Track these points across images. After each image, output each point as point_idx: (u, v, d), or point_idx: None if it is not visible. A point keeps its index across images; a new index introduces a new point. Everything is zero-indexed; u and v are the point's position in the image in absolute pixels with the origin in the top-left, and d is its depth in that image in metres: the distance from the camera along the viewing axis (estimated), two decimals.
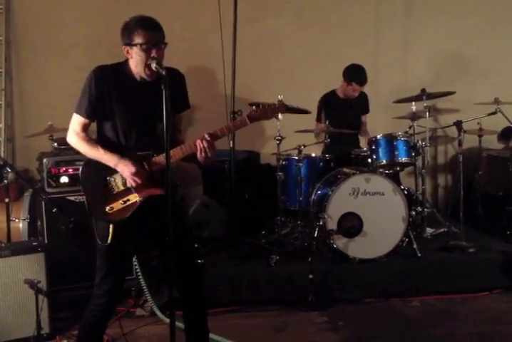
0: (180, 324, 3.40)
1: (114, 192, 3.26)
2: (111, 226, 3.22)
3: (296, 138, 5.66)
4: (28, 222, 5.11)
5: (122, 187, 3.26)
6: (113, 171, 3.25)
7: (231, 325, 4.55)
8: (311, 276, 4.82)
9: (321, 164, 5.78)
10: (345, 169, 5.48)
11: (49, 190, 4.91)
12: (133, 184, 3.21)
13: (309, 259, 4.89)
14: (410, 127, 5.86)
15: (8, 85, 6.22)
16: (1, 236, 4.85)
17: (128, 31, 3.20)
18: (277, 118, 3.39)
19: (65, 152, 5.07)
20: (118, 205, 3.24)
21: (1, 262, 4.17)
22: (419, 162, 5.89)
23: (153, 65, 3.09)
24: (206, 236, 5.67)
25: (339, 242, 5.16)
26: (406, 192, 5.43)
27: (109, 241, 3.23)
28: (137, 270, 4.83)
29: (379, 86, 6.96)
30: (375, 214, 5.19)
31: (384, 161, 5.54)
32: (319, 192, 5.45)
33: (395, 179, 5.61)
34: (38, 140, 5.60)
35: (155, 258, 4.95)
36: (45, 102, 6.25)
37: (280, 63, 6.90)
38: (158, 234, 3.30)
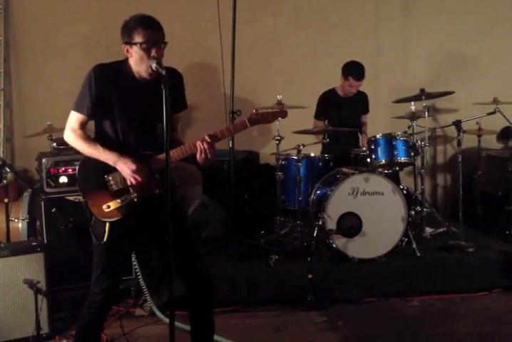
0: (179, 324, 3.41)
1: (112, 191, 3.26)
2: (107, 224, 3.22)
3: (295, 138, 5.66)
4: (28, 222, 5.11)
5: (120, 186, 3.25)
6: (111, 169, 3.24)
7: (230, 325, 4.54)
8: (310, 276, 4.82)
9: (320, 164, 5.79)
10: (344, 169, 5.48)
11: (48, 190, 4.91)
12: (133, 182, 3.20)
13: (309, 259, 4.89)
14: (409, 127, 5.86)
15: (7, 85, 6.22)
16: (1, 236, 4.86)
17: (127, 30, 3.20)
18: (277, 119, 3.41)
19: (64, 152, 5.07)
20: (115, 204, 3.23)
21: (1, 262, 4.17)
22: (418, 162, 5.89)
23: (153, 65, 3.09)
24: (205, 236, 5.67)
25: (339, 242, 5.16)
26: (405, 192, 5.44)
27: (105, 240, 3.23)
28: (137, 270, 4.83)
29: (378, 86, 6.97)
30: (374, 213, 5.19)
31: (383, 161, 5.54)
32: (318, 192, 5.45)
33: (394, 178, 5.61)
34: (37, 140, 5.59)
35: (155, 258, 4.95)
36: (44, 102, 6.25)
37: (279, 63, 6.90)
38: (158, 234, 3.30)
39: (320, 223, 5.13)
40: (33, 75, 6.30)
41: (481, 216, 6.34)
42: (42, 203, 4.77)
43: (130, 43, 3.19)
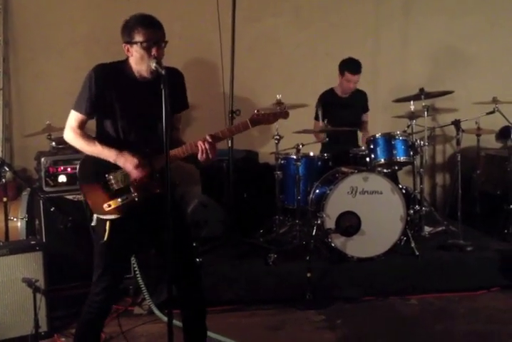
0: (177, 323, 3.40)
1: (112, 190, 3.26)
2: (108, 223, 3.23)
3: (294, 137, 5.65)
4: (26, 221, 5.12)
5: (121, 185, 3.25)
6: (111, 168, 3.25)
7: (229, 324, 4.55)
8: (309, 275, 4.82)
9: (319, 163, 5.79)
10: (343, 168, 5.49)
11: (47, 189, 4.91)
12: (137, 176, 3.20)
13: (307, 258, 4.88)
14: (408, 126, 5.87)
15: (6, 85, 6.22)
16: None
17: (128, 29, 3.21)
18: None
19: (63, 151, 5.07)
20: (115, 203, 3.23)
21: None
22: (417, 161, 5.89)
23: (153, 65, 3.10)
24: (204, 236, 5.67)
25: (337, 241, 5.16)
26: (404, 191, 5.44)
27: (105, 239, 3.23)
28: (136, 268, 4.83)
29: (377, 85, 6.97)
30: (373, 212, 5.20)
31: (382, 160, 5.54)
32: (317, 191, 5.46)
33: (393, 178, 5.61)
34: (36, 139, 5.60)
35: (153, 257, 4.95)
36: (43, 101, 6.25)
37: (279, 63, 6.90)
38: (157, 233, 3.31)
39: (319, 222, 5.14)
40: (32, 75, 6.30)
41: (480, 216, 6.35)
42: (41, 202, 4.77)
43: (130, 42, 3.20)
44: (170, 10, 6.35)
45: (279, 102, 5.32)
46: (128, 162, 3.20)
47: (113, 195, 3.25)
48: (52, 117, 5.43)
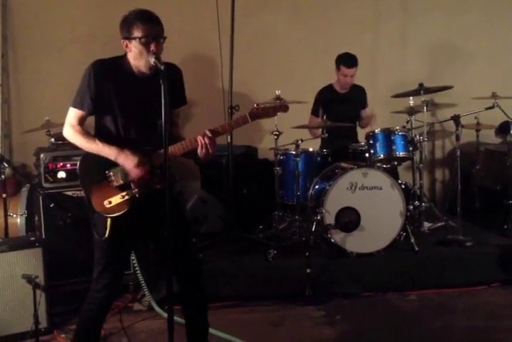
0: (178, 319, 3.41)
1: (113, 186, 3.25)
2: (109, 220, 3.22)
3: (293, 133, 5.66)
4: (26, 217, 5.11)
5: (121, 181, 3.25)
6: (111, 165, 3.24)
7: (229, 320, 4.55)
8: (308, 271, 4.82)
9: (318, 158, 5.79)
10: (343, 164, 5.49)
11: (46, 185, 4.91)
12: (136, 175, 3.20)
13: (307, 254, 4.89)
14: (408, 122, 5.88)
15: (5, 81, 6.21)
16: None
17: (126, 25, 3.20)
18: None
19: (62, 148, 5.06)
20: (116, 199, 3.23)
21: None
22: (417, 157, 5.90)
23: (152, 60, 3.09)
24: (204, 231, 5.67)
25: (337, 237, 5.16)
26: (403, 187, 5.44)
27: (106, 235, 3.22)
28: (135, 265, 4.83)
29: (377, 81, 6.97)
30: (373, 208, 5.20)
31: (382, 155, 5.54)
32: (316, 187, 5.46)
33: (393, 173, 5.60)
34: (35, 135, 5.59)
35: (153, 253, 4.95)
36: (42, 97, 6.24)
37: (278, 59, 6.89)
38: (156, 229, 3.30)
39: (318, 218, 5.14)
40: (31, 71, 6.29)
41: (479, 211, 6.35)
42: (40, 198, 4.76)
43: (129, 37, 3.19)
44: (168, 6, 6.32)
45: (278, 98, 5.31)
46: (127, 161, 3.19)
47: (113, 191, 3.25)
48: (51, 113, 5.42)
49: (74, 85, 3.33)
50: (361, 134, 6.22)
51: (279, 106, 3.35)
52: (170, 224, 2.87)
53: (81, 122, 3.31)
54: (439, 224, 5.88)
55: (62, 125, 3.35)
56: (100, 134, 3.31)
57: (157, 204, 3.09)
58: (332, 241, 5.16)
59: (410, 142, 5.60)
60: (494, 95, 6.09)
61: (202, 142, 3.19)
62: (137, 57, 3.21)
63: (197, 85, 5.85)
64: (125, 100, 3.26)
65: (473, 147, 6.70)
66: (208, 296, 3.64)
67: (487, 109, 5.91)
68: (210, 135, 3.20)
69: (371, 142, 5.58)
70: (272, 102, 5.01)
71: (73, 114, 3.30)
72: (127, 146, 3.23)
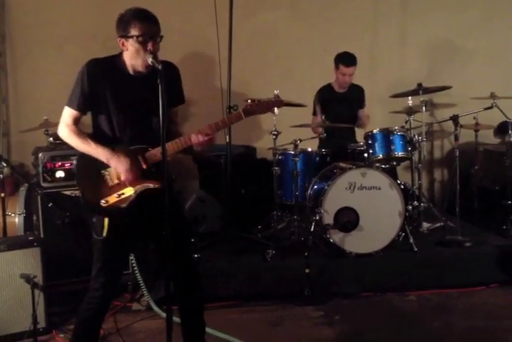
0: (176, 319, 3.40)
1: (109, 186, 3.25)
2: (106, 219, 3.21)
3: (292, 133, 5.65)
4: (24, 217, 5.10)
5: (116, 181, 3.24)
6: (107, 164, 3.24)
7: (228, 320, 4.55)
8: (307, 271, 4.81)
9: (317, 158, 5.79)
10: (341, 164, 5.48)
11: (45, 185, 4.90)
12: (127, 179, 3.20)
13: (306, 254, 4.87)
14: (406, 122, 5.87)
15: (3, 80, 6.20)
16: None
17: (123, 23, 3.19)
18: (273, 112, 3.38)
19: (60, 147, 5.05)
20: (112, 199, 3.23)
21: None
22: (415, 157, 5.90)
23: (149, 60, 3.08)
24: (202, 231, 5.67)
25: (336, 237, 5.16)
26: (402, 187, 5.44)
27: (104, 235, 3.22)
28: (134, 264, 4.82)
29: (375, 81, 6.96)
30: (371, 208, 5.19)
31: (381, 155, 5.54)
32: (315, 187, 5.45)
33: (391, 173, 5.60)
34: (33, 134, 5.58)
35: (151, 252, 4.94)
36: (40, 96, 6.23)
37: (277, 58, 6.89)
38: (156, 228, 3.29)
39: (317, 218, 5.13)
40: (29, 70, 6.28)
41: (478, 211, 6.35)
42: (38, 198, 4.76)
43: (125, 36, 3.18)
44: (167, 4, 6.31)
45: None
46: (119, 164, 3.19)
47: (109, 191, 3.24)
48: (49, 112, 5.39)
49: (72, 83, 3.32)
50: (359, 134, 6.21)
51: (274, 101, 3.33)
52: (170, 224, 2.86)
53: (76, 121, 3.31)
54: (438, 225, 5.87)
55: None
56: (96, 133, 3.31)
57: (156, 204, 3.08)
58: (331, 241, 5.15)
59: (409, 142, 5.60)
60: (493, 96, 6.08)
61: (196, 140, 3.20)
62: (133, 56, 3.20)
63: (195, 84, 5.84)
64: (119, 99, 3.26)
65: (472, 147, 6.70)
66: (206, 295, 3.64)
67: (486, 109, 5.90)
68: (203, 133, 3.20)
69: (369, 142, 5.57)
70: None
71: (67, 113, 3.30)
72: (122, 144, 3.23)
